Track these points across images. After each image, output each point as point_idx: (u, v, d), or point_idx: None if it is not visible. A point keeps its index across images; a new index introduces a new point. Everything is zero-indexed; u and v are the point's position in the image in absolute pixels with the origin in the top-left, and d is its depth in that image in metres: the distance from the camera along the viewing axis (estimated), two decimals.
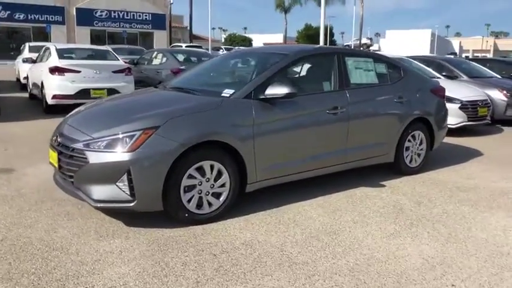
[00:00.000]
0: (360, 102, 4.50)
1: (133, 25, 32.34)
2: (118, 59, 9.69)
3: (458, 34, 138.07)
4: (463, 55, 61.12)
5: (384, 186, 4.73)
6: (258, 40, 73.56)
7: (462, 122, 7.75)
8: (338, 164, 4.44)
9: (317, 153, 4.22)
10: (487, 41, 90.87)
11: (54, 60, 8.77)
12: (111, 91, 8.96)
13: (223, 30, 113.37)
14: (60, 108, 9.11)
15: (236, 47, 39.63)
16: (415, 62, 9.47)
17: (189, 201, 3.45)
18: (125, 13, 31.81)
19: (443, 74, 9.31)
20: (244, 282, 2.70)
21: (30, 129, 7.69)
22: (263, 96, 3.78)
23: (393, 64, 5.12)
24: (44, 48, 10.30)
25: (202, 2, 68.06)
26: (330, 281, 2.74)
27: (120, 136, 3.27)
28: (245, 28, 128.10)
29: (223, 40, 76.30)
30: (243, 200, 3.90)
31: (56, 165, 3.59)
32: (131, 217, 3.58)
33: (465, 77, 9.49)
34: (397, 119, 4.86)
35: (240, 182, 3.71)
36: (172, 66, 10.44)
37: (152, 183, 3.26)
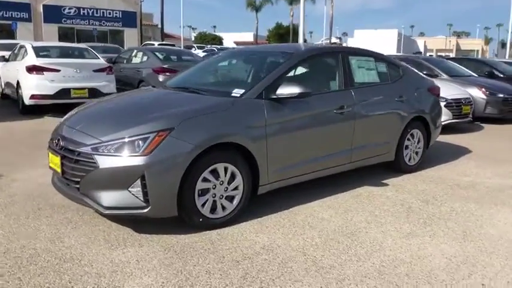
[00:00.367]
0: (364, 102, 4.48)
1: (103, 23, 31.41)
2: (98, 58, 9.35)
3: (422, 34, 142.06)
4: (427, 54, 62.91)
5: (387, 185, 4.73)
6: (229, 39, 73.27)
7: (448, 120, 7.89)
8: (344, 163, 4.41)
9: (325, 153, 4.16)
10: (450, 41, 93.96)
11: (31, 59, 8.36)
12: (93, 91, 8.67)
13: (193, 28, 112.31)
14: (37, 109, 8.74)
15: (208, 46, 39.25)
16: None
17: (203, 205, 3.32)
18: (95, 10, 30.85)
19: (424, 72, 9.44)
20: None
21: (8, 131, 7.31)
22: (275, 96, 3.68)
23: (393, 63, 5.13)
24: (18, 46, 9.81)
25: (171, 0, 67.13)
26: (362, 284, 2.68)
27: (133, 139, 3.10)
28: (214, 26, 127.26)
29: (193, 38, 75.50)
30: (253, 203, 3.79)
31: (59, 170, 3.37)
32: (139, 223, 3.42)
33: (445, 76, 9.69)
34: (398, 117, 4.88)
35: (251, 185, 3.60)
36: (154, 65, 10.19)
37: (167, 188, 3.11)
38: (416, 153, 5.29)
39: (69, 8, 29.87)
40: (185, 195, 3.19)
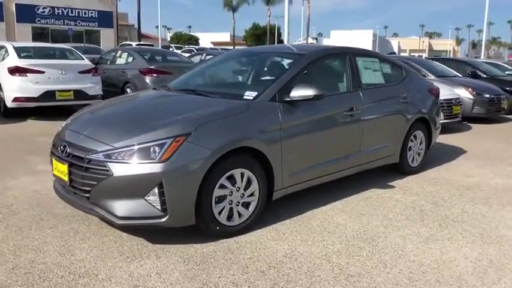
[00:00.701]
0: (372, 103, 4.43)
1: (79, 23, 30.57)
2: (83, 58, 9.04)
3: (395, 34, 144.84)
4: (401, 54, 64.13)
5: (393, 187, 4.70)
6: (205, 39, 72.73)
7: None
8: (353, 166, 4.35)
9: (336, 156, 4.09)
10: (423, 41, 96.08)
11: (13, 60, 8.00)
12: (78, 93, 8.38)
13: (168, 28, 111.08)
14: (20, 112, 8.38)
15: (186, 46, 38.77)
16: None
17: (219, 213, 3.19)
18: (69, 10, 30.00)
19: None
20: None
21: None
22: (288, 99, 3.58)
23: (396, 64, 5.11)
24: None
25: (145, 0, 66.14)
26: None
27: (148, 145, 2.94)
28: (189, 27, 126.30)
29: (168, 39, 74.64)
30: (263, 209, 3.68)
31: (66, 178, 3.17)
32: (151, 233, 3.26)
33: (432, 76, 9.79)
34: (403, 119, 4.86)
35: (266, 190, 3.49)
36: (141, 66, 9.93)
37: (186, 195, 2.96)
38: (419, 154, 5.29)
39: (43, 8, 28.97)
40: (202, 202, 3.05)
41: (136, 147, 2.94)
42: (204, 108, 3.35)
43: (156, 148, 2.93)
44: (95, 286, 2.58)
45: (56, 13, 29.66)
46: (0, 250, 3.00)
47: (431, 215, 3.90)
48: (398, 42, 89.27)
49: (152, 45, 26.48)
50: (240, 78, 4.48)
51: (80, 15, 30.64)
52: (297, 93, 3.56)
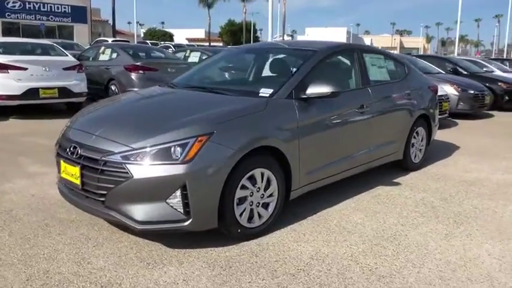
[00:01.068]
0: (380, 100, 4.40)
1: (51, 18, 29.55)
2: (67, 55, 8.69)
3: (367, 32, 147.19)
4: None
5: (399, 184, 4.69)
6: (179, 35, 71.88)
7: None
8: (363, 163, 4.31)
9: (348, 154, 4.05)
10: (395, 39, 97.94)
11: None
12: (63, 90, 8.07)
13: (140, 24, 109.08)
14: (2, 110, 8.00)
15: (162, 43, 38.09)
16: None
17: (240, 215, 3.08)
18: (41, 4, 28.96)
19: None
20: None
21: None
22: (305, 96, 3.50)
23: (399, 61, 5.10)
24: None
25: None
26: None
27: (169, 145, 2.80)
28: (162, 23, 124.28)
29: (142, 35, 73.29)
30: None
31: (77, 181, 2.99)
32: (168, 238, 3.11)
33: None
34: (408, 115, 4.86)
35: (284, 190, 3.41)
36: (126, 62, 9.63)
37: (209, 197, 2.84)
38: (420, 150, 5.31)
39: (14, 2, 27.89)
40: (225, 204, 2.93)
41: (157, 147, 2.79)
42: (222, 106, 3.22)
43: (178, 148, 2.79)
44: None
45: (27, 7, 28.62)
46: (9, 260, 2.80)
47: (444, 212, 3.90)
48: (371, 39, 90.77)
49: (128, 42, 25.93)
50: (251, 75, 4.35)
51: (53, 10, 29.67)
52: (314, 90, 3.48)
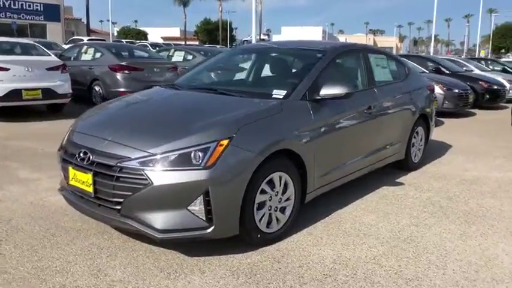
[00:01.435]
0: (385, 101, 4.40)
1: (23, 16, 28.56)
2: (49, 54, 8.38)
3: (341, 31, 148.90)
4: None
5: (402, 184, 4.71)
6: (154, 34, 70.87)
7: None
8: (370, 164, 4.29)
9: (357, 155, 4.02)
10: (369, 38, 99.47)
11: None
12: (47, 91, 7.79)
13: (113, 23, 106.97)
14: None
15: (139, 42, 37.39)
16: None
17: (260, 220, 3.00)
18: (12, 2, 27.91)
19: None
20: None
21: None
22: (318, 97, 3.44)
23: (400, 61, 5.12)
24: None
25: None
26: None
27: (190, 150, 2.69)
28: (136, 21, 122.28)
29: (115, 33, 71.90)
30: None
31: (90, 189, 2.84)
32: (184, 246, 3.00)
33: None
34: (410, 115, 4.88)
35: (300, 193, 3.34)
36: (110, 62, 9.37)
37: (232, 203, 2.75)
38: (419, 150, 5.35)
39: None
40: (245, 210, 2.85)
41: (177, 152, 2.68)
42: (238, 109, 3.13)
43: (199, 153, 2.68)
44: None
45: None
46: (19, 274, 2.64)
47: (452, 211, 3.92)
48: (346, 39, 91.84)
49: (104, 40, 25.37)
50: (259, 76, 4.26)
51: (24, 7, 28.70)
52: (328, 91, 3.42)
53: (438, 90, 9.68)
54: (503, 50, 64.43)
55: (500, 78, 12.77)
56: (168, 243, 2.98)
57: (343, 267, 2.83)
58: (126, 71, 9.24)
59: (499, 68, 16.23)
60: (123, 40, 36.84)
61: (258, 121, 3.00)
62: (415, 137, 5.15)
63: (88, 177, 2.84)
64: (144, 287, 2.54)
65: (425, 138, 5.45)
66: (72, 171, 2.99)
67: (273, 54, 4.37)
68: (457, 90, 9.92)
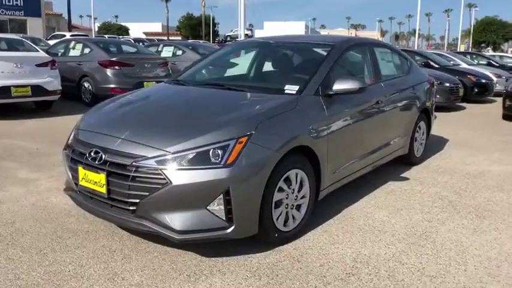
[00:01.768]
0: (391, 95, 4.36)
1: (2, 11, 27.70)
2: (38, 50, 8.12)
3: (323, 26, 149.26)
4: None
5: (407, 178, 4.69)
6: (135, 29, 69.87)
7: None
8: (377, 160, 4.26)
9: (366, 151, 3.98)
10: (351, 33, 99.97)
11: None
12: (36, 88, 7.54)
13: (94, 18, 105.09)
14: None
15: (122, 37, 36.73)
16: None
17: (277, 218, 2.93)
18: None
19: None
20: None
21: None
22: (331, 92, 3.38)
23: (402, 55, 5.09)
24: None
25: None
26: None
27: (208, 148, 2.60)
28: (116, 16, 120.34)
29: (96, 29, 70.60)
30: None
31: (103, 190, 2.72)
32: (199, 246, 2.90)
33: None
34: (414, 110, 4.87)
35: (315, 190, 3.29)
36: (100, 57, 9.15)
37: (252, 202, 2.67)
38: (421, 144, 5.35)
39: None
40: (264, 208, 2.77)
41: (195, 150, 2.59)
42: (254, 105, 3.05)
43: (219, 151, 2.59)
44: None
45: None
46: (32, 280, 2.51)
47: (462, 206, 3.91)
48: (328, 33, 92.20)
49: (87, 36, 24.83)
50: (268, 71, 4.17)
51: (4, 2, 27.81)
52: (341, 86, 3.36)
53: None
54: (483, 44, 65.50)
55: (488, 72, 12.93)
56: (186, 245, 2.89)
57: (365, 266, 2.78)
58: (117, 67, 9.02)
59: (484, 62, 16.45)
60: (105, 36, 36.23)
61: (275, 117, 2.93)
62: (417, 131, 5.14)
63: (101, 177, 2.72)
64: None
65: (427, 132, 5.46)
66: (82, 171, 2.86)
67: (280, 49, 4.28)
68: (448, 84, 10.00)
